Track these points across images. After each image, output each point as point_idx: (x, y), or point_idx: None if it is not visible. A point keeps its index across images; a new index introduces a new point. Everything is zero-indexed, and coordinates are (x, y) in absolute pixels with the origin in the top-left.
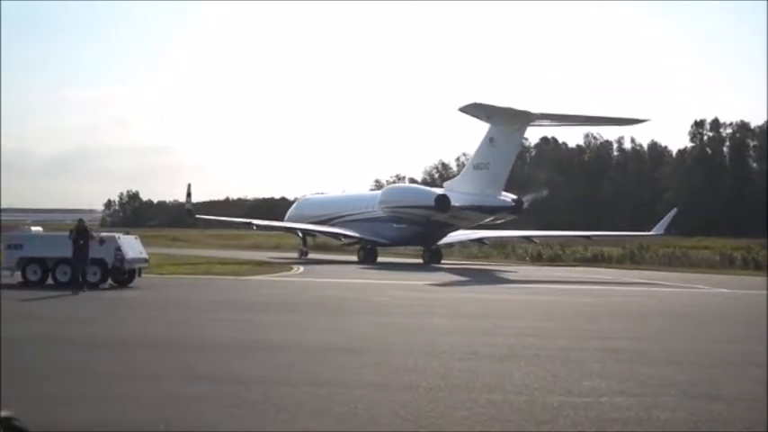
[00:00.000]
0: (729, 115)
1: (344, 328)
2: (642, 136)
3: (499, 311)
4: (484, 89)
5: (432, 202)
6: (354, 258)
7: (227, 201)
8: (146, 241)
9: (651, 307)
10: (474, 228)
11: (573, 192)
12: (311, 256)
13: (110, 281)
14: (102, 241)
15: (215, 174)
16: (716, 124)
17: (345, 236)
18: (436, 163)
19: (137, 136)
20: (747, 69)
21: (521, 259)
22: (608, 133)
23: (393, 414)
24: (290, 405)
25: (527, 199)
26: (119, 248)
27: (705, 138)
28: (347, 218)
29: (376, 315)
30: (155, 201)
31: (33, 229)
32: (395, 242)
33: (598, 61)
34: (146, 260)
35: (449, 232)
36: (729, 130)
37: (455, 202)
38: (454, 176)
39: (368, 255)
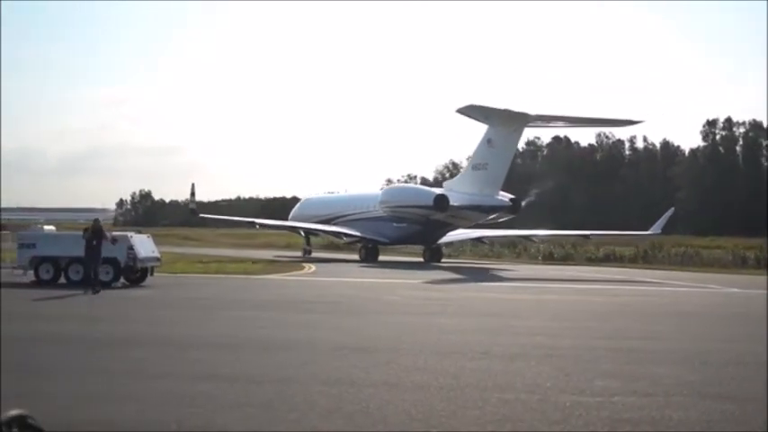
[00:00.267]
0: (742, 114)
1: (356, 327)
2: (654, 135)
3: (510, 310)
4: (487, 89)
5: (431, 202)
6: (356, 257)
7: (238, 199)
8: (158, 240)
9: (663, 306)
10: (473, 227)
11: (585, 191)
12: (315, 254)
13: (122, 280)
14: (114, 240)
15: (227, 173)
16: (729, 123)
17: (347, 235)
18: (447, 162)
19: (148, 135)
20: (757, 67)
21: (533, 258)
22: (620, 132)
23: (404, 413)
24: (302, 404)
25: (531, 194)
26: (131, 247)
27: (718, 137)
28: (349, 217)
29: (387, 314)
30: (167, 200)
31: (46, 228)
32: (395, 241)
33: (600, 61)
34: (158, 259)
35: (448, 231)
36: (742, 129)
37: (454, 202)
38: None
39: (369, 253)
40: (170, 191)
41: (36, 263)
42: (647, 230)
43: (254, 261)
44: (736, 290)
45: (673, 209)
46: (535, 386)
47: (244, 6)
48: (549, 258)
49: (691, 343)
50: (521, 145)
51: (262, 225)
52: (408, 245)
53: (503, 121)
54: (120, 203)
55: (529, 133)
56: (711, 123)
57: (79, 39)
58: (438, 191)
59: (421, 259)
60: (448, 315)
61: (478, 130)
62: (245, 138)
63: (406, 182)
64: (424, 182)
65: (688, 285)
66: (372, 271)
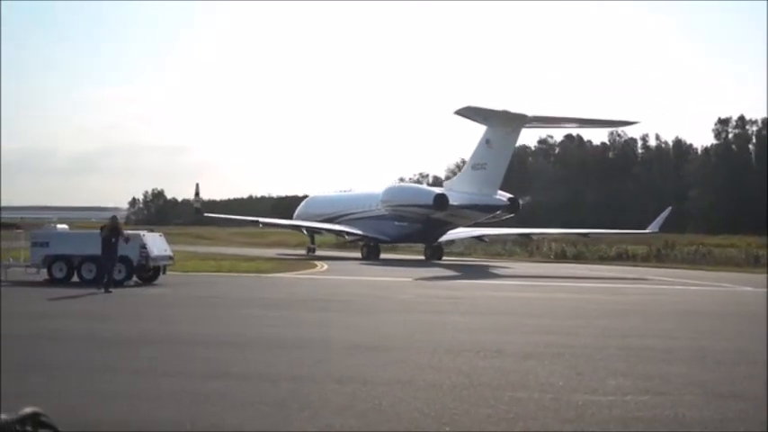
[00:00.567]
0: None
1: (369, 325)
2: (667, 133)
3: (522, 309)
4: (490, 90)
5: (430, 201)
6: (359, 255)
7: (250, 198)
8: (170, 239)
9: (675, 305)
10: (473, 225)
11: (598, 189)
12: (318, 253)
13: (135, 278)
14: (127, 239)
15: (239, 172)
16: (741, 121)
17: (349, 233)
18: (458, 161)
19: (159, 135)
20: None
21: (545, 257)
22: (632, 131)
23: (417, 411)
24: (315, 402)
25: (525, 200)
26: (144, 246)
27: (730, 135)
28: (351, 216)
29: (400, 312)
30: (179, 199)
31: (59, 226)
32: (397, 239)
33: (602, 61)
34: (170, 257)
35: (448, 230)
36: (755, 128)
37: (453, 201)
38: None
39: (371, 252)
40: (182, 190)
41: (49, 261)
42: (652, 230)
43: (252, 259)
44: (748, 288)
45: (670, 208)
46: (548, 385)
47: (251, 6)
48: (562, 257)
49: (703, 342)
50: (532, 144)
51: (265, 224)
52: (410, 243)
53: (501, 122)
54: (133, 202)
55: (541, 132)
56: (724, 122)
57: (87, 39)
58: (438, 190)
59: (422, 257)
60: (460, 313)
61: (483, 129)
62: (257, 137)
63: (418, 180)
64: (436, 180)
65: (700, 284)
66: (383, 269)
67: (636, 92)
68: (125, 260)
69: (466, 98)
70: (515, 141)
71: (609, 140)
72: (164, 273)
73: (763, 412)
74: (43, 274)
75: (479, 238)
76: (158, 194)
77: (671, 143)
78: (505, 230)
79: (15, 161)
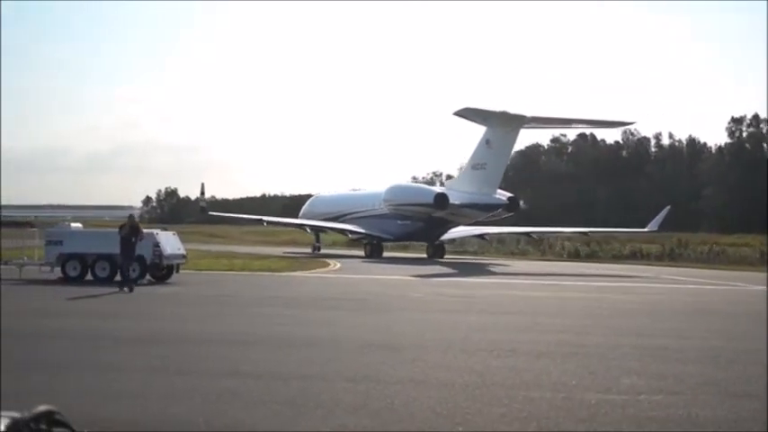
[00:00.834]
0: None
1: (382, 324)
2: (680, 132)
3: (536, 308)
4: (501, 90)
5: (431, 200)
6: (362, 253)
7: (263, 197)
8: (183, 237)
9: (689, 304)
10: (474, 224)
11: (611, 188)
12: (323, 251)
13: (148, 277)
14: (141, 237)
15: (252, 171)
16: (756, 120)
17: (352, 232)
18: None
19: (172, 134)
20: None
21: (558, 256)
22: (645, 129)
23: (430, 410)
24: (328, 401)
25: (523, 205)
26: (157, 245)
27: (744, 134)
28: (355, 215)
29: (412, 311)
30: (192, 198)
31: (73, 225)
32: (399, 238)
33: (609, 61)
34: (184, 256)
35: (449, 228)
36: None
37: (453, 200)
38: None
39: (374, 250)
40: (196, 189)
41: (63, 260)
42: (651, 229)
43: (262, 257)
44: (762, 288)
45: (669, 207)
46: (561, 384)
47: (262, 6)
48: (575, 256)
49: (717, 341)
50: (545, 143)
51: (270, 222)
52: (412, 241)
53: (501, 123)
54: (147, 201)
55: (554, 131)
56: (737, 120)
57: (92, 39)
58: (438, 189)
59: (424, 255)
60: (473, 312)
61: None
62: (270, 136)
63: (431, 179)
64: (449, 179)
65: (714, 283)
66: (393, 267)
67: (647, 92)
68: (139, 259)
69: (475, 98)
70: (514, 142)
71: (622, 139)
72: (177, 271)
73: None
74: (57, 273)
75: (481, 236)
76: (171, 193)
77: (684, 142)
78: (506, 229)
79: (27, 160)
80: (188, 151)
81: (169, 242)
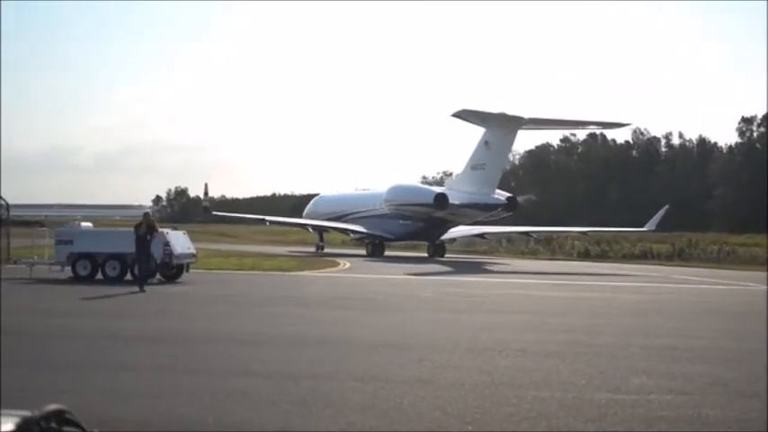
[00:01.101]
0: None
1: (391, 323)
2: (690, 132)
3: (545, 308)
4: (507, 91)
5: (431, 200)
6: (364, 252)
7: (273, 196)
8: (193, 237)
9: (698, 304)
10: (474, 223)
11: (621, 188)
12: (327, 250)
13: (158, 276)
14: (154, 236)
15: (262, 170)
16: (766, 120)
17: (354, 231)
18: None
19: (181, 134)
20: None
21: (568, 256)
22: (655, 129)
23: (439, 410)
24: (337, 400)
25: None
26: (167, 244)
27: (755, 134)
28: (357, 214)
29: (421, 311)
30: (202, 197)
31: (83, 224)
32: (400, 237)
33: (613, 62)
34: (194, 255)
35: (449, 228)
36: None
37: (453, 200)
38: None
39: (376, 249)
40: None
41: (73, 259)
42: (649, 228)
43: (271, 257)
44: None
45: (667, 206)
46: (570, 384)
47: (270, 7)
48: (585, 256)
49: (727, 341)
50: (555, 142)
51: (272, 222)
52: (413, 241)
53: (499, 124)
54: (157, 200)
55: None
56: (748, 120)
57: (102, 39)
58: (438, 190)
59: (425, 254)
60: (482, 312)
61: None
62: (281, 136)
63: (441, 178)
64: (448, 179)
65: (724, 283)
66: (402, 267)
67: (656, 92)
68: (149, 258)
69: (487, 99)
70: (512, 143)
71: (632, 139)
72: (187, 270)
73: None
74: (67, 272)
75: (480, 235)
76: (181, 193)
77: (695, 141)
78: (505, 228)
79: (36, 160)
80: (198, 151)
81: (179, 241)
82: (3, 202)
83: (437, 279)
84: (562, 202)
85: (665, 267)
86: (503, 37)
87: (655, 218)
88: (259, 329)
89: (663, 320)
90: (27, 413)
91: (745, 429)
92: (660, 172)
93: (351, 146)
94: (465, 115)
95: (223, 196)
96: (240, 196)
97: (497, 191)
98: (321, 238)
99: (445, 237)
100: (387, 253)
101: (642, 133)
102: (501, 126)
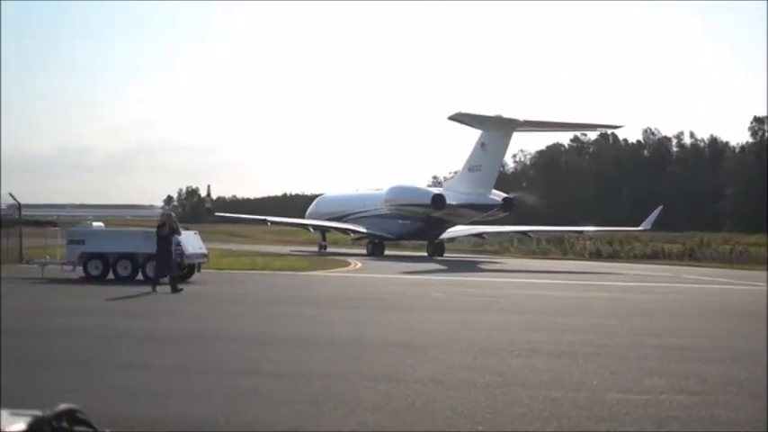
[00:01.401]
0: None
1: (403, 323)
2: (702, 131)
3: (556, 308)
4: (509, 94)
5: (429, 201)
6: (364, 252)
7: (284, 196)
8: (204, 237)
9: (710, 304)
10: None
11: (633, 187)
12: (329, 249)
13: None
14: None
15: (273, 171)
16: None
17: (354, 231)
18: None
19: (192, 134)
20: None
21: (579, 256)
22: (666, 129)
23: (450, 410)
24: (349, 400)
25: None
26: (178, 244)
27: (767, 134)
28: (359, 215)
29: (433, 311)
30: (214, 197)
31: (95, 224)
32: (400, 237)
33: (617, 63)
34: (205, 255)
35: (447, 228)
36: None
37: (450, 201)
38: (511, 173)
39: (376, 248)
40: (217, 188)
41: (85, 259)
42: (645, 227)
43: (281, 256)
44: None
45: (662, 206)
46: (582, 384)
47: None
48: (597, 256)
49: (739, 341)
50: (566, 142)
51: (273, 222)
52: (412, 240)
53: (496, 127)
54: (168, 200)
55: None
56: (760, 120)
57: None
58: (436, 190)
59: (424, 254)
60: (494, 312)
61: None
62: (293, 136)
63: (451, 178)
64: (446, 180)
65: (736, 283)
66: (410, 266)
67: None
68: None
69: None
70: (507, 144)
71: (643, 139)
72: (198, 270)
73: None
74: (79, 272)
75: (479, 235)
76: (192, 192)
77: (706, 141)
78: (504, 228)
79: (49, 161)
80: (209, 152)
81: (191, 241)
82: (15, 203)
83: (447, 279)
84: (574, 201)
85: (677, 267)
86: (503, 37)
87: (650, 217)
88: (270, 329)
89: (674, 320)
90: (38, 412)
91: (757, 430)
92: (672, 172)
93: (360, 147)
94: (461, 118)
95: (234, 196)
96: (251, 196)
97: (494, 191)
98: (324, 238)
99: (444, 236)
100: (386, 252)
101: (653, 133)
102: (497, 128)
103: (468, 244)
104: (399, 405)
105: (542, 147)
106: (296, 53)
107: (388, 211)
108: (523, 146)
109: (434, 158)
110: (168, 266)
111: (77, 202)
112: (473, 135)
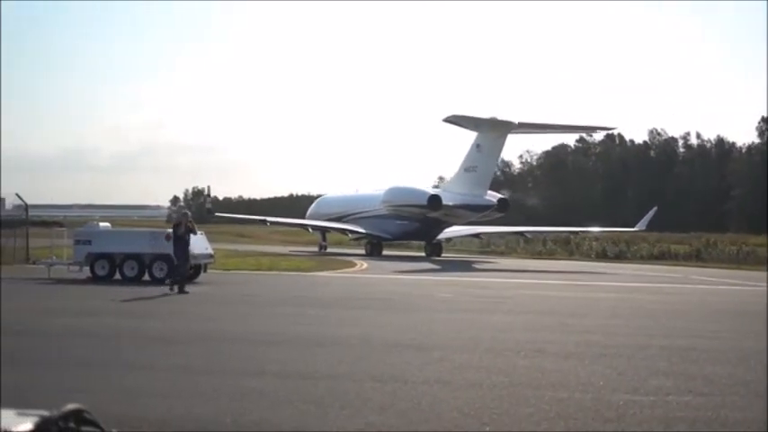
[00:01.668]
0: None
1: (409, 324)
2: (709, 132)
3: (563, 309)
4: (508, 95)
5: (425, 201)
6: (363, 252)
7: (291, 197)
8: (211, 237)
9: (717, 305)
10: (469, 224)
11: (639, 188)
12: (328, 250)
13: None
14: (168, 237)
15: (280, 171)
16: None
17: (353, 231)
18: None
19: (199, 134)
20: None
21: (585, 256)
22: (672, 129)
23: (457, 411)
24: (355, 400)
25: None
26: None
27: None
28: (357, 215)
29: (440, 312)
30: (220, 197)
31: (101, 225)
32: (398, 237)
33: (617, 63)
34: (211, 256)
35: (444, 228)
36: None
37: (446, 201)
38: (517, 174)
39: (374, 248)
40: (224, 188)
41: (91, 259)
42: (639, 228)
43: (286, 256)
44: None
45: (656, 208)
46: (588, 384)
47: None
48: (603, 256)
49: (747, 342)
50: (572, 143)
51: (273, 222)
52: (410, 240)
53: (491, 128)
54: (175, 200)
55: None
56: (767, 121)
57: (116, 38)
58: (432, 191)
59: (422, 253)
60: (501, 313)
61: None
62: (298, 138)
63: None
64: (443, 181)
65: (743, 284)
66: (418, 266)
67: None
68: (166, 258)
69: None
70: (502, 146)
71: (649, 139)
72: (204, 271)
73: None
74: (86, 272)
75: (476, 235)
76: (198, 193)
77: (713, 142)
78: (501, 228)
79: (56, 161)
80: (215, 152)
81: (197, 242)
82: (22, 203)
83: (452, 279)
84: (581, 202)
85: (683, 268)
86: (503, 38)
87: (644, 218)
88: (276, 329)
89: (681, 321)
90: (45, 413)
91: (765, 431)
92: (678, 172)
93: (364, 148)
94: (456, 120)
95: (240, 197)
96: (258, 197)
97: (489, 192)
98: (324, 238)
99: (442, 236)
100: (386, 252)
101: (659, 134)
102: (492, 130)
103: (475, 244)
104: (406, 405)
105: (548, 148)
106: (297, 54)
107: (386, 212)
108: (530, 147)
109: (439, 160)
110: (182, 263)
111: (84, 202)
112: (472, 136)
